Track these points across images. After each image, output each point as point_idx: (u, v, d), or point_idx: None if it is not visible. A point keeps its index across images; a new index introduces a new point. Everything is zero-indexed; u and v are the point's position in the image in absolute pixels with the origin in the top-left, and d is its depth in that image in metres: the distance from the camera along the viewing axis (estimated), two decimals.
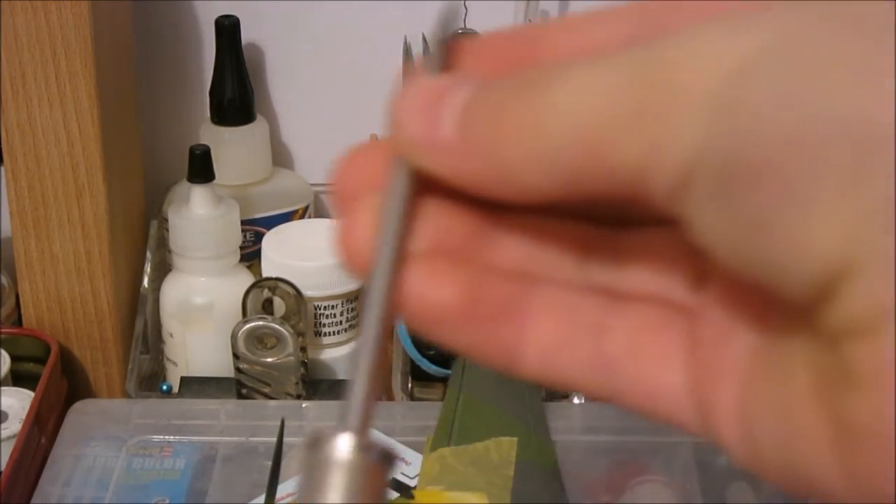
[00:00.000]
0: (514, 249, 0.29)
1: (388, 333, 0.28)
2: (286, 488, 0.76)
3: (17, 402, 0.83)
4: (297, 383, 0.85)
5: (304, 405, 0.83)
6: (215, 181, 0.87)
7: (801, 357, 0.25)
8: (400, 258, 0.27)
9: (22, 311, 0.90)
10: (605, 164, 0.25)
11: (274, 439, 0.77)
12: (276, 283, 0.85)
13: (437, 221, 0.28)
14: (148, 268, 0.93)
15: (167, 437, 0.81)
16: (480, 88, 0.27)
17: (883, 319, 0.22)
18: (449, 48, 0.29)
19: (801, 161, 0.23)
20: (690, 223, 0.25)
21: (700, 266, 0.28)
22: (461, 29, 0.93)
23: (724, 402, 0.27)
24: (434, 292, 0.28)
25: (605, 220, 0.30)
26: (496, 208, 0.28)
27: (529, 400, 0.81)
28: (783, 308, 0.26)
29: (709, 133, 0.24)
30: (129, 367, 0.88)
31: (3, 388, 0.83)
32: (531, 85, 0.26)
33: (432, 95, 0.27)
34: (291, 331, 0.83)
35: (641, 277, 0.29)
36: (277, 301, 0.85)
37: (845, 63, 0.23)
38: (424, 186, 0.28)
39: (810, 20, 0.24)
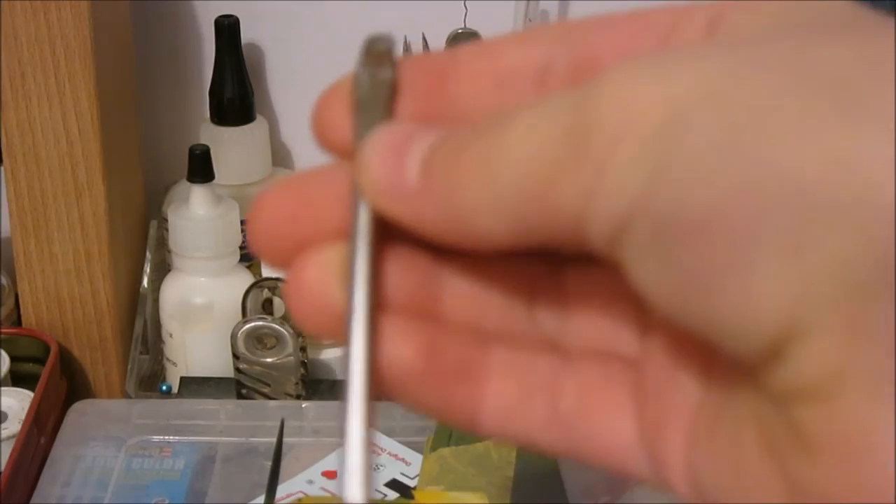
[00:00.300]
0: (463, 293, 0.29)
1: (374, 396, 0.27)
2: (286, 488, 0.76)
3: (17, 402, 0.83)
4: (296, 383, 0.85)
5: (304, 405, 0.82)
6: (215, 181, 0.87)
7: (748, 412, 0.24)
8: (374, 313, 0.27)
9: (21, 311, 0.89)
10: (546, 209, 0.25)
11: (274, 439, 0.77)
12: (275, 283, 0.85)
13: (390, 270, 0.28)
14: (147, 268, 0.93)
15: (167, 437, 0.81)
16: (442, 136, 0.27)
17: (836, 384, 0.22)
18: (386, 79, 0.28)
19: (740, 223, 0.22)
20: (628, 272, 0.25)
21: (644, 311, 0.28)
22: (461, 29, 0.93)
23: (673, 455, 0.26)
24: (393, 352, 0.27)
25: (551, 258, 0.29)
26: (444, 251, 0.28)
27: None
28: (727, 361, 0.25)
29: (643, 186, 0.23)
30: (129, 367, 0.88)
31: (2, 388, 0.83)
32: (483, 132, 0.26)
33: (399, 141, 0.27)
34: (291, 331, 0.83)
35: (587, 323, 0.29)
36: (277, 301, 0.85)
37: (784, 115, 0.22)
38: (380, 233, 0.27)
39: (744, 64, 0.23)
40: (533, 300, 0.29)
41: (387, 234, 0.27)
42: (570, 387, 0.28)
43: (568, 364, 0.28)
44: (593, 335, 0.29)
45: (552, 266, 0.29)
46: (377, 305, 0.27)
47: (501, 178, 0.25)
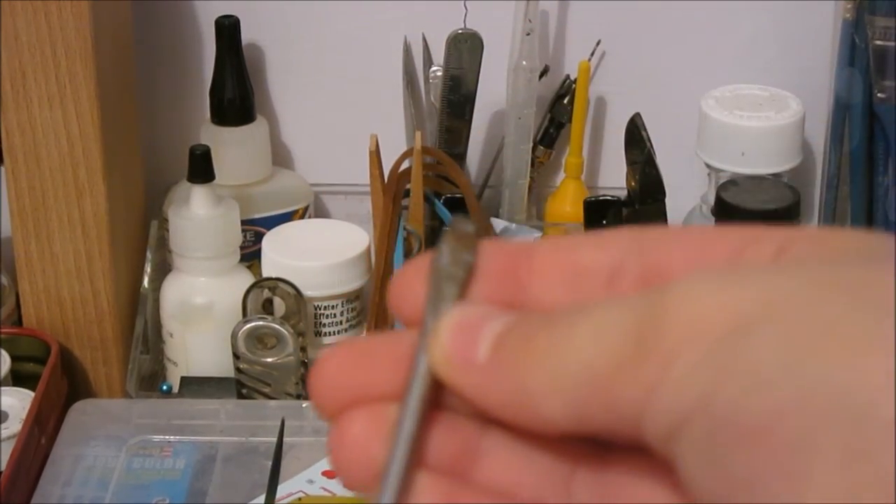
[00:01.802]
0: (503, 460, 0.29)
1: None
2: (286, 488, 0.76)
3: (18, 401, 0.83)
4: (297, 383, 0.85)
5: (304, 405, 0.83)
6: (215, 181, 0.87)
7: None
8: (409, 471, 0.28)
9: (22, 310, 0.90)
10: (608, 400, 0.26)
11: (274, 439, 0.77)
12: (276, 283, 0.85)
13: (436, 431, 0.29)
14: (148, 268, 0.93)
15: (167, 437, 0.81)
16: (515, 320, 0.28)
17: None
18: (466, 260, 0.30)
19: (797, 432, 0.23)
20: (678, 466, 0.25)
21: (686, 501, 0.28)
22: (461, 29, 0.93)
23: None
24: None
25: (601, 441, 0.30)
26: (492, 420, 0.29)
27: None
28: None
29: (705, 387, 0.24)
30: (130, 367, 0.88)
31: (3, 388, 0.84)
32: (555, 322, 0.27)
33: (475, 320, 0.28)
34: (291, 331, 0.83)
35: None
36: (277, 301, 0.86)
37: (845, 333, 0.23)
38: (433, 399, 0.29)
39: (810, 284, 0.25)
40: (573, 472, 0.30)
41: (440, 400, 0.29)
42: None
43: None
44: None
45: (600, 447, 0.29)
46: (414, 464, 0.28)
47: (566, 368, 0.26)
